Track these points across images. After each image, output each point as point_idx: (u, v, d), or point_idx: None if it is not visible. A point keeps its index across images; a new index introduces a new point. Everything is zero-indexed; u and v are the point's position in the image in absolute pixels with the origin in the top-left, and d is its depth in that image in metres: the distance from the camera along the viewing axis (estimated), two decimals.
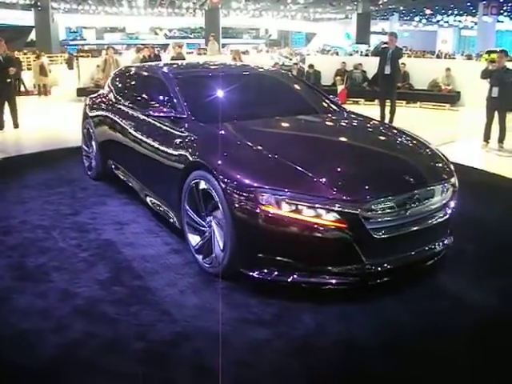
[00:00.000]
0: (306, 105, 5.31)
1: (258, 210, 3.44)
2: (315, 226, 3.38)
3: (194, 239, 4.12)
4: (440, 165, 4.16)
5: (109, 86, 6.36)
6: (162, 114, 4.61)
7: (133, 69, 6.16)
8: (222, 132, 4.25)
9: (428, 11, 45.84)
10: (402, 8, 44.59)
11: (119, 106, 5.77)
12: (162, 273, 3.98)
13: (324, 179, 3.53)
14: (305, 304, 3.51)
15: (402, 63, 13.87)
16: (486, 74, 9.18)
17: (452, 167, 4.19)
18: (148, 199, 5.08)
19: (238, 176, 3.62)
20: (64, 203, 5.67)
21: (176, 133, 4.43)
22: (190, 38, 51.78)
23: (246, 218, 3.52)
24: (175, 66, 6.10)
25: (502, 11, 42.40)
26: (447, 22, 52.97)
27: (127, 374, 2.84)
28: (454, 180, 4.06)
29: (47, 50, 25.50)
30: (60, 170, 7.10)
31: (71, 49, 33.95)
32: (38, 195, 5.97)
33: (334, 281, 3.50)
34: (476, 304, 3.62)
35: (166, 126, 4.61)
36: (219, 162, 3.79)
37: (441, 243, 3.97)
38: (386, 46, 10.50)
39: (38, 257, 4.29)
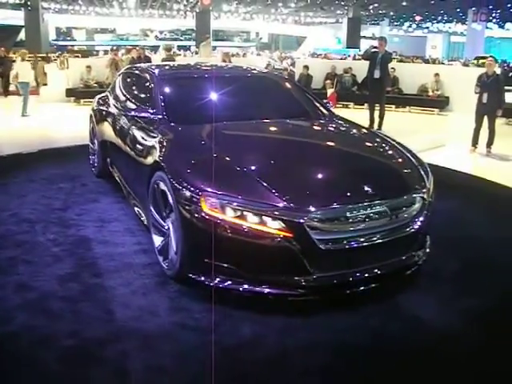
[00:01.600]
0: (290, 108, 5.21)
1: (203, 214, 3.39)
2: (259, 233, 3.29)
3: (157, 240, 4.10)
4: (412, 176, 3.97)
5: (111, 86, 6.52)
6: (137, 114, 4.73)
7: (131, 69, 6.18)
8: (190, 134, 4.26)
9: (418, 18, 46.16)
10: (392, 13, 44.88)
11: (113, 105, 5.87)
12: (123, 272, 4.00)
13: (272, 186, 3.42)
14: (251, 313, 3.39)
15: (392, 68, 13.95)
16: (479, 90, 9.02)
17: (427, 179, 3.99)
18: (129, 198, 5.13)
19: (188, 178, 3.60)
20: (59, 198, 5.82)
21: (150, 133, 4.46)
22: (181, 39, 51.67)
23: (193, 222, 3.46)
24: (166, 66, 6.12)
25: (491, 18, 42.81)
26: (437, 28, 53.35)
27: (46, 370, 2.86)
28: (425, 192, 3.84)
29: (37, 50, 25.26)
30: (68, 167, 7.21)
31: (61, 49, 33.71)
32: (38, 189, 6.16)
33: (277, 291, 3.39)
34: (431, 326, 3.38)
35: (144, 126, 4.64)
36: (173, 164, 3.81)
37: (407, 259, 3.76)
38: (375, 50, 10.55)
39: (12, 249, 4.39)
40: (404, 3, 35.68)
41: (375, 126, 10.67)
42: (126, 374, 2.83)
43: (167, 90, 4.89)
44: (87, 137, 7.12)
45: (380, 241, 3.55)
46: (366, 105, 12.68)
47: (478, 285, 3.95)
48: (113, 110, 5.80)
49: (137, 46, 15.93)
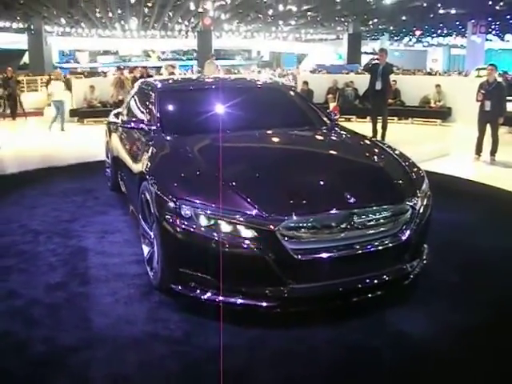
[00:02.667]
0: (290, 118, 5.17)
1: (178, 223, 3.37)
2: (232, 242, 3.22)
3: (145, 250, 4.11)
4: (401, 185, 3.81)
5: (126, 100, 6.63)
6: (133, 125, 4.79)
7: (142, 84, 6.20)
8: (180, 144, 4.26)
9: (418, 32, 46.41)
10: (392, 28, 45.14)
11: (121, 119, 5.93)
12: (111, 281, 4.04)
13: (247, 195, 3.35)
14: (229, 324, 3.30)
15: (394, 80, 13.99)
16: (481, 98, 9.02)
17: (419, 188, 3.82)
18: (130, 209, 5.18)
19: (165, 187, 3.61)
20: (69, 211, 5.98)
21: (144, 145, 4.51)
22: (183, 59, 52.09)
23: (170, 231, 3.45)
24: (170, 80, 6.19)
25: (490, 30, 43.00)
26: (437, 42, 53.61)
27: (10, 375, 2.91)
28: (415, 201, 3.66)
29: (40, 73, 25.53)
30: (85, 181, 7.36)
31: (64, 71, 34.02)
32: (51, 202, 6.34)
33: (252, 303, 3.30)
34: (413, 344, 3.20)
35: (141, 138, 4.71)
36: (155, 173, 3.84)
37: (395, 271, 3.60)
38: (376, 62, 10.59)
39: (11, 258, 4.54)
40: (403, 18, 35.88)
41: (378, 137, 10.68)
42: (85, 382, 2.84)
43: (165, 101, 4.95)
44: (104, 152, 7.28)
45: (362, 252, 3.40)
46: (368, 118, 12.71)
47: (473, 300, 3.76)
48: (120, 123, 5.85)
49: (139, 66, 15.98)
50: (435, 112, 14.73)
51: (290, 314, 3.39)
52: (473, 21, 38.27)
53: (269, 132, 4.68)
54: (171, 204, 3.43)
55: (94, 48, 50.84)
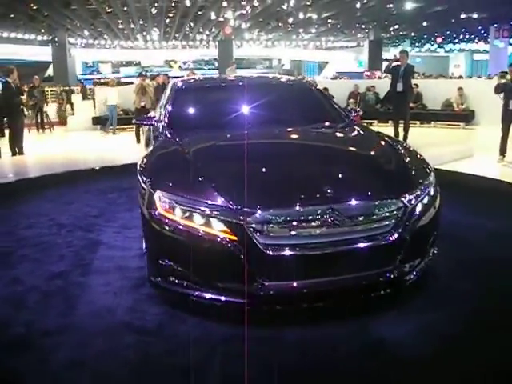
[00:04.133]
0: (306, 115, 5.06)
1: (155, 214, 3.36)
2: (205, 235, 3.17)
3: (144, 243, 4.09)
4: (393, 183, 3.56)
5: None
6: (144, 122, 5.04)
7: (170, 84, 6.20)
8: (177, 140, 4.26)
9: (439, 39, 46.07)
10: (413, 34, 44.86)
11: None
12: (110, 273, 4.15)
13: (221, 188, 3.30)
14: (203, 320, 3.28)
15: (415, 84, 13.88)
16: (499, 88, 9.13)
17: (416, 186, 3.56)
18: None
19: (146, 178, 3.63)
20: (99, 207, 6.26)
21: (153, 140, 4.61)
22: (204, 69, 52.44)
23: (149, 222, 3.44)
24: (192, 79, 6.31)
25: None
26: (459, 47, 53.15)
27: None
28: (408, 199, 3.41)
29: (64, 85, 25.94)
30: (125, 181, 7.48)
31: (87, 82, 34.51)
32: (86, 198, 6.66)
33: (223, 298, 3.22)
34: (393, 353, 2.97)
35: (155, 133, 4.80)
36: (142, 166, 3.87)
37: (381, 273, 3.34)
38: (397, 63, 10.52)
39: (29, 248, 4.80)
40: (424, 23, 35.64)
41: (400, 139, 10.59)
42: (46, 364, 2.92)
43: (179, 98, 5.05)
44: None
45: (343, 251, 3.22)
46: (390, 122, 12.61)
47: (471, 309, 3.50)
48: None
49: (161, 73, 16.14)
50: (458, 115, 14.59)
51: (266, 312, 3.30)
52: (495, 25, 37.87)
53: (278, 129, 4.58)
54: (149, 195, 3.45)
55: (117, 59, 51.54)
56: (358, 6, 26.45)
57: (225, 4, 26.02)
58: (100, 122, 15.78)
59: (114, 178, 7.86)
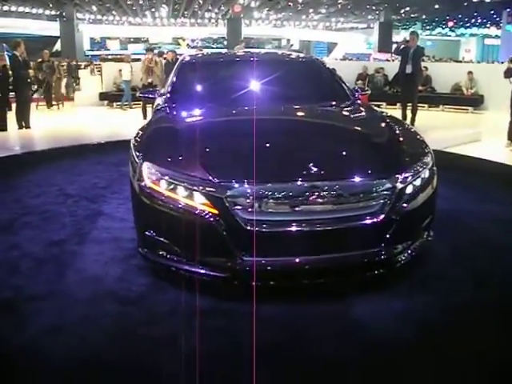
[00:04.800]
0: (311, 93, 4.97)
1: (142, 185, 3.38)
2: (186, 207, 3.18)
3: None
4: (383, 162, 3.47)
5: None
6: (147, 95, 5.07)
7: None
8: (175, 114, 4.28)
9: (450, 23, 45.56)
10: (424, 17, 44.39)
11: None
12: (105, 243, 4.21)
13: (207, 162, 3.29)
14: (188, 293, 3.27)
15: (425, 67, 13.75)
16: (509, 73, 9.05)
17: (408, 167, 3.46)
18: None
19: (136, 150, 3.65)
20: (109, 178, 6.32)
21: (153, 112, 4.65)
22: (213, 47, 52.11)
23: (137, 193, 3.46)
24: (200, 54, 6.30)
25: None
26: (470, 33, 52.59)
27: None
28: (397, 180, 3.32)
29: (71, 60, 25.84)
30: None
31: (94, 59, 34.39)
32: (97, 170, 6.75)
33: (203, 271, 3.23)
34: (369, 337, 2.89)
35: (156, 108, 4.81)
36: (136, 139, 3.87)
37: (367, 254, 3.27)
38: (407, 45, 10.41)
39: (33, 216, 4.92)
40: (436, 6, 35.25)
41: (408, 121, 10.53)
42: (25, 328, 2.97)
43: (184, 72, 5.03)
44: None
45: (325, 229, 3.14)
46: (398, 104, 12.53)
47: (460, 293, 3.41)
48: None
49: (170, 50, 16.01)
50: (467, 99, 14.45)
51: (247, 287, 3.22)
52: (508, 10, 37.40)
53: (279, 106, 4.50)
54: (138, 166, 3.46)
55: (125, 36, 51.26)
56: None
57: None
58: (107, 97, 15.74)
59: (125, 151, 7.87)
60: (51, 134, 10.40)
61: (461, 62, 30.94)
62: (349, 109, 4.66)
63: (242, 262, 3.13)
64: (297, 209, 3.13)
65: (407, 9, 38.62)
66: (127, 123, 12.05)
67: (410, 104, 10.53)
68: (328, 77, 5.29)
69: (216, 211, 3.11)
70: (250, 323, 2.96)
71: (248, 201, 3.11)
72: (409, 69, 10.11)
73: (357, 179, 3.25)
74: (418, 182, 3.46)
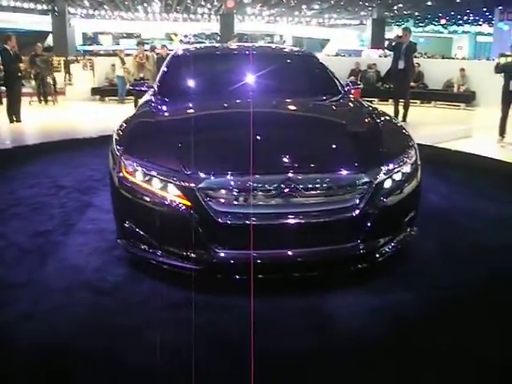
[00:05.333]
0: (300, 86, 4.95)
1: (120, 176, 3.41)
2: (160, 199, 3.21)
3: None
4: (360, 156, 3.40)
5: None
6: (137, 88, 5.12)
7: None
8: (159, 106, 4.33)
9: (443, 21, 45.60)
10: (417, 14, 44.41)
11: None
12: (90, 234, 4.30)
13: (180, 155, 3.31)
14: (162, 283, 3.35)
15: (417, 63, 13.79)
16: (499, 69, 9.06)
17: (389, 161, 3.41)
18: None
19: (115, 142, 3.68)
20: (104, 171, 6.44)
21: (140, 105, 4.65)
22: (205, 43, 52.00)
23: (115, 184, 3.50)
24: (193, 48, 6.27)
25: None
26: (462, 30, 52.69)
27: None
28: (375, 174, 3.28)
29: (64, 55, 25.68)
30: None
31: (87, 54, 34.18)
32: (94, 162, 6.73)
33: (180, 264, 3.26)
34: (336, 331, 2.90)
35: (144, 101, 4.80)
36: (116, 132, 3.88)
37: (343, 249, 3.24)
38: (399, 40, 10.43)
39: (24, 207, 5.01)
40: (429, 3, 35.26)
41: (399, 117, 10.55)
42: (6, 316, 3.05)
43: (173, 66, 5.06)
44: None
45: (298, 223, 3.12)
46: (390, 100, 12.55)
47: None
48: None
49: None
50: (459, 96, 14.53)
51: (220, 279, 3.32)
52: (500, 7, 37.46)
53: (264, 99, 4.44)
54: (117, 157, 3.50)
55: (117, 31, 50.97)
56: None
57: None
58: (99, 92, 15.68)
59: None
60: (45, 128, 10.48)
61: (453, 58, 30.98)
62: (336, 103, 4.66)
63: (214, 254, 3.14)
64: (271, 201, 3.13)
65: (400, 5, 38.58)
66: (121, 117, 12.02)
67: (402, 100, 10.56)
68: (319, 71, 5.26)
69: (189, 203, 3.13)
70: (221, 316, 3.01)
71: (220, 193, 3.12)
72: (401, 64, 10.16)
73: (332, 173, 3.23)
74: (398, 177, 3.44)
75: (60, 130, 10.13)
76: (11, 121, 10.52)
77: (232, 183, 3.13)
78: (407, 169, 3.53)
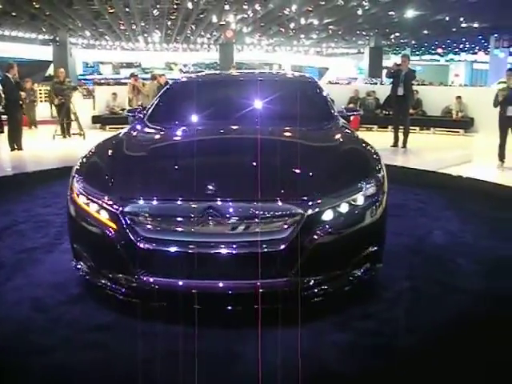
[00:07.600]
0: (289, 113, 4.61)
1: (70, 198, 3.52)
2: (94, 223, 3.26)
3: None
4: (300, 186, 3.21)
5: None
6: (129, 114, 5.32)
7: None
8: (131, 132, 4.43)
9: (439, 49, 46.15)
10: (413, 42, 44.96)
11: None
12: (69, 253, 4.30)
13: (114, 179, 3.40)
14: (98, 304, 3.43)
15: (416, 90, 13.92)
16: (497, 103, 9.03)
17: (336, 192, 3.19)
18: None
19: (77, 167, 3.74)
20: None
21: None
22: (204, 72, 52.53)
23: (68, 206, 3.57)
24: (193, 75, 6.33)
25: None
26: (459, 59, 53.31)
27: None
28: (310, 205, 3.06)
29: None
30: None
31: (88, 83, 34.51)
32: None
33: (111, 286, 3.27)
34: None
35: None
36: (84, 153, 3.97)
37: (270, 284, 3.03)
38: (398, 68, 10.55)
39: (28, 224, 5.30)
40: (425, 31, 35.72)
41: (400, 144, 10.61)
42: None
43: (165, 94, 5.17)
44: None
45: (222, 253, 3.00)
46: (390, 127, 12.62)
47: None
48: None
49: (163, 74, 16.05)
50: (457, 122, 14.62)
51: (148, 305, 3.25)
52: (496, 35, 38.00)
53: (238, 126, 4.36)
54: (71, 179, 3.63)
55: (118, 60, 51.57)
56: (359, 12, 26.46)
57: (227, 7, 26.03)
58: (100, 120, 15.75)
59: None
60: (50, 155, 10.38)
61: (451, 85, 31.30)
62: (315, 130, 4.42)
63: (138, 279, 3.12)
64: (192, 229, 3.05)
65: (397, 34, 39.06)
66: None
67: (401, 126, 10.62)
68: (313, 97, 5.13)
69: (115, 227, 3.15)
70: (144, 340, 2.97)
71: (142, 218, 3.12)
72: (400, 91, 10.26)
73: (256, 202, 3.04)
74: (344, 208, 3.18)
75: (61, 157, 10.13)
76: (12, 149, 10.55)
77: (154, 209, 3.13)
78: (360, 200, 3.26)
